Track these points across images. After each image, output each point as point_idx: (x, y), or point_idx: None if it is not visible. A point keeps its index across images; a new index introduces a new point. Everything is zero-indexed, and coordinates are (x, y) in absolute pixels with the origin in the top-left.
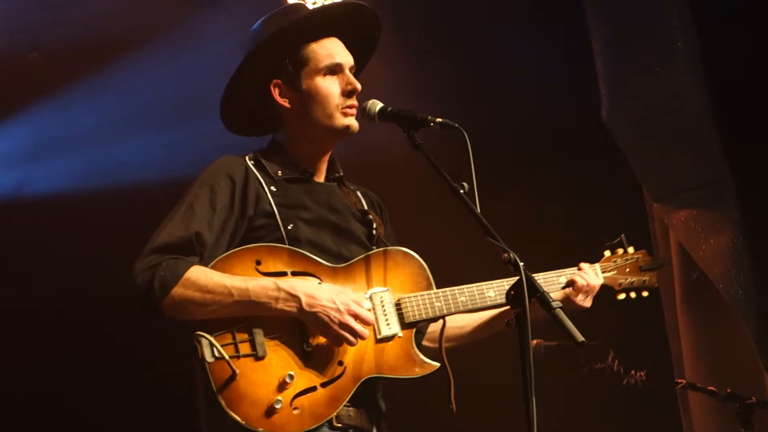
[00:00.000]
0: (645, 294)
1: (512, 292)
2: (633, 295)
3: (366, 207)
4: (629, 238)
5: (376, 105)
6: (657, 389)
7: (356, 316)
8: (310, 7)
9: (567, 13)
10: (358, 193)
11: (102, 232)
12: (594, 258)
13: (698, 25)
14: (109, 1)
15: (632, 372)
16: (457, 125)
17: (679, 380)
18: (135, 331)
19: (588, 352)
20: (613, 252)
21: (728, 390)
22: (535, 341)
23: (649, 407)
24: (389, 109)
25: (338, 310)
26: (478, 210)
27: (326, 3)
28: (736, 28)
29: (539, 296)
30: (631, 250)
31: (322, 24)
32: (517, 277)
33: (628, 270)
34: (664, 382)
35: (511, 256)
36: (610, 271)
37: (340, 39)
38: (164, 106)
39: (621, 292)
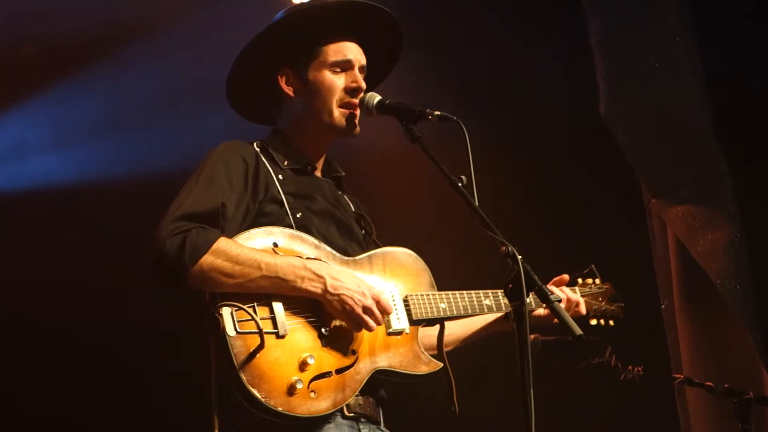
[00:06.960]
0: (611, 323)
1: (510, 286)
2: (602, 322)
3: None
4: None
5: (375, 97)
6: (654, 384)
7: (378, 302)
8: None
9: (565, 9)
10: (347, 197)
11: (95, 226)
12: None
13: (696, 21)
14: None
15: (630, 367)
16: (455, 118)
17: (677, 375)
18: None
19: (586, 347)
20: (584, 281)
21: (726, 385)
22: (532, 336)
23: (646, 402)
24: (387, 101)
25: (363, 294)
26: (477, 203)
27: None
28: (734, 24)
29: (538, 289)
30: (598, 281)
31: (339, 19)
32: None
33: (600, 298)
34: (661, 378)
35: (510, 249)
36: (585, 296)
37: (360, 40)
38: (158, 100)
39: (593, 317)
